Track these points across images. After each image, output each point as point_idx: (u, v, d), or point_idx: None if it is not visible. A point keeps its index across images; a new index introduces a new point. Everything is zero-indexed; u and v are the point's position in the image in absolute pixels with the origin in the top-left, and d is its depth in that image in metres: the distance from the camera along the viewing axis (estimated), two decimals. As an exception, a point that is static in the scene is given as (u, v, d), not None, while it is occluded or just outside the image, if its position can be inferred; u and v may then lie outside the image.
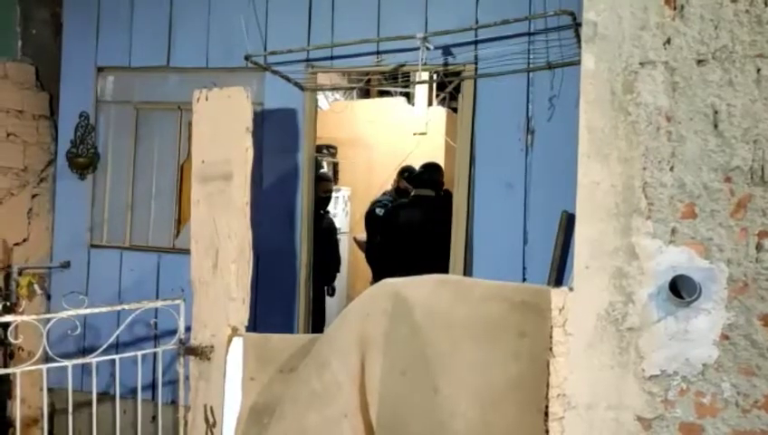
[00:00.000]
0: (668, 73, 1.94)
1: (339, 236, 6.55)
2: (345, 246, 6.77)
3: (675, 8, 1.95)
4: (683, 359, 1.92)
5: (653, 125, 1.95)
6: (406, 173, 5.26)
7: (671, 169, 1.93)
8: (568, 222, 3.44)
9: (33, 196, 4.65)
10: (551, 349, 2.05)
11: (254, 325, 2.81)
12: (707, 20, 1.93)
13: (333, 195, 6.59)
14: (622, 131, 1.97)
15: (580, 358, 2.01)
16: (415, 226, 4.64)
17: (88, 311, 2.58)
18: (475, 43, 3.75)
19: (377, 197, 5.65)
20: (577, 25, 3.10)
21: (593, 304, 2.00)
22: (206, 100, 2.81)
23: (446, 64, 3.82)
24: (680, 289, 1.90)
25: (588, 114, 2.01)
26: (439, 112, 6.66)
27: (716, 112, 1.91)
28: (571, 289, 2.06)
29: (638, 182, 1.96)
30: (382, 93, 7.30)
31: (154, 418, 3.67)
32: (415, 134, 6.52)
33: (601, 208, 1.99)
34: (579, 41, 3.24)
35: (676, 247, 1.92)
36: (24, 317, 2.44)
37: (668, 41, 1.95)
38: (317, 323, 4.56)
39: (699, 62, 1.92)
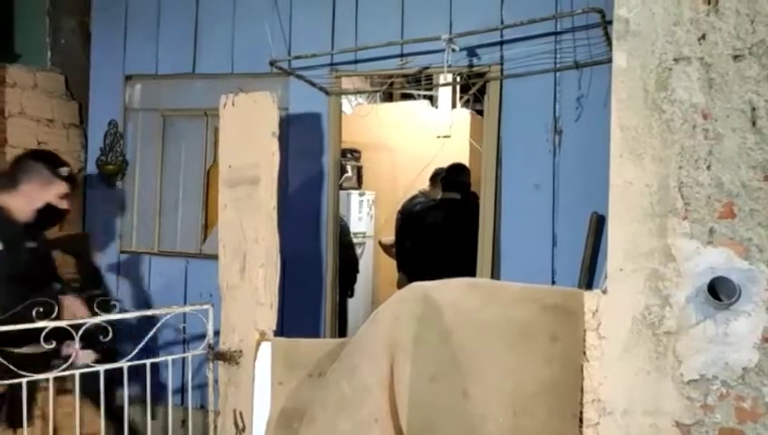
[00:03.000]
0: (704, 70, 1.90)
1: (362, 240, 6.55)
2: (369, 250, 6.76)
3: (709, 3, 1.91)
4: (722, 363, 1.87)
5: (689, 123, 1.91)
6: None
7: (708, 167, 1.89)
8: (598, 223, 3.38)
9: (64, 203, 4.71)
10: (584, 353, 2.02)
11: (281, 330, 2.81)
12: (743, 14, 1.88)
13: (358, 198, 6.60)
14: (656, 130, 1.94)
15: (615, 362, 1.97)
16: (440, 229, 4.62)
17: (119, 316, 2.59)
18: (501, 43, 3.71)
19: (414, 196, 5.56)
20: (606, 23, 3.05)
21: (628, 307, 1.96)
22: (233, 105, 2.81)
23: (470, 66, 3.79)
24: (719, 291, 1.85)
25: (620, 113, 1.98)
26: (463, 115, 6.62)
27: (754, 109, 1.86)
28: (604, 292, 2.02)
29: (673, 182, 1.92)
30: (405, 97, 7.28)
31: (184, 422, 3.68)
32: (439, 137, 6.49)
33: (635, 209, 1.95)
34: (608, 39, 3.19)
35: (715, 248, 1.87)
36: (58, 322, 2.46)
37: (703, 36, 1.90)
38: (339, 325, 4.55)
39: (736, 57, 1.88)
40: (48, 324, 2.39)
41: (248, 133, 2.74)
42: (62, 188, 3.05)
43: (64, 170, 3.06)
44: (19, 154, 3.31)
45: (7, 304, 2.61)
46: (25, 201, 2.96)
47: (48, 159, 3.09)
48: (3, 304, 2.64)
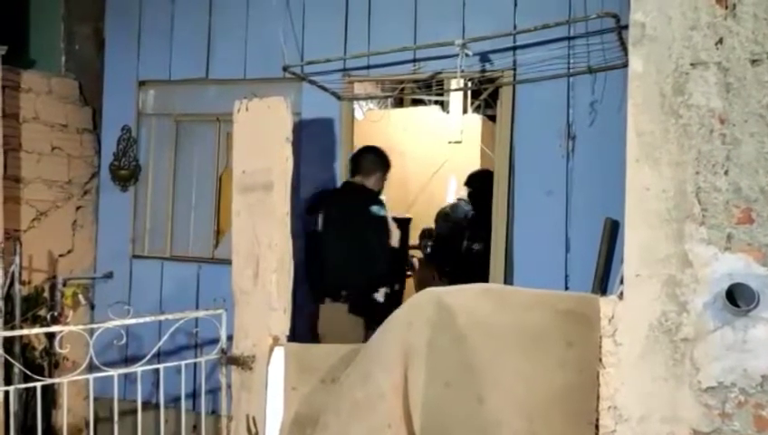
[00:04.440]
0: (721, 74, 1.88)
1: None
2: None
3: (726, 7, 1.90)
4: (741, 370, 1.85)
5: (706, 127, 1.89)
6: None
7: (726, 172, 1.87)
8: (612, 229, 3.36)
9: (78, 208, 4.74)
10: (600, 359, 2.00)
11: (294, 334, 2.81)
12: (761, 19, 1.87)
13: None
14: (673, 135, 1.92)
15: (632, 369, 1.95)
16: None
17: (133, 321, 2.61)
18: (514, 48, 3.70)
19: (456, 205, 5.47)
20: (620, 28, 3.03)
21: (645, 314, 1.94)
22: (247, 110, 2.83)
23: (483, 71, 3.78)
24: (737, 298, 1.84)
25: (636, 118, 1.97)
26: (474, 120, 6.60)
27: (772, 114, 1.84)
28: (620, 298, 2.00)
29: (690, 187, 1.90)
30: (416, 102, 7.27)
31: (195, 427, 3.69)
32: (450, 142, 6.47)
33: (652, 214, 1.94)
34: (622, 44, 3.17)
35: (733, 254, 1.86)
36: (72, 327, 2.48)
37: (720, 41, 1.89)
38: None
39: (753, 61, 1.86)
40: (63, 329, 2.41)
41: (262, 138, 2.75)
42: (387, 174, 4.03)
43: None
44: (361, 148, 4.12)
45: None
46: (374, 184, 3.94)
47: (383, 154, 4.03)
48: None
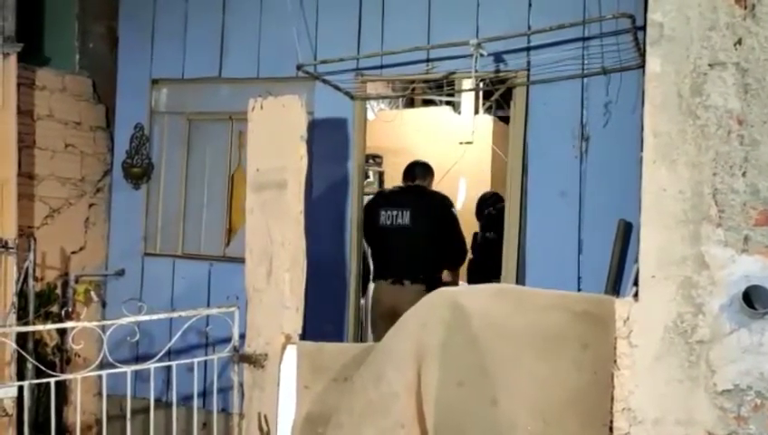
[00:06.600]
0: (740, 75, 1.87)
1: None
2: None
3: (745, 8, 1.88)
4: (757, 373, 1.84)
5: (724, 129, 1.88)
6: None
7: (743, 174, 1.86)
8: (625, 231, 3.34)
9: (90, 205, 4.77)
10: (615, 361, 1.99)
11: (304, 333, 2.81)
12: (781, 19, 1.85)
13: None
14: (691, 136, 1.91)
15: (647, 371, 1.94)
16: None
17: (146, 318, 2.62)
18: (528, 49, 3.70)
19: None
20: (636, 29, 3.02)
21: (660, 315, 1.93)
22: (261, 108, 2.82)
23: (497, 71, 3.78)
24: (754, 300, 1.82)
25: (653, 118, 1.95)
26: (486, 121, 6.60)
27: (791, 115, 1.83)
28: (636, 299, 1.99)
29: (707, 188, 1.89)
30: (426, 102, 7.27)
31: (205, 425, 3.70)
32: (461, 143, 6.46)
33: (668, 216, 1.93)
34: (637, 45, 3.16)
35: (750, 256, 1.84)
36: (86, 323, 2.49)
37: (739, 41, 1.88)
38: (361, 329, 4.53)
39: (773, 62, 1.85)
40: (77, 325, 2.41)
41: (276, 137, 2.75)
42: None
43: None
44: (413, 162, 4.63)
45: None
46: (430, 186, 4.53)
47: (429, 165, 4.64)
48: None
